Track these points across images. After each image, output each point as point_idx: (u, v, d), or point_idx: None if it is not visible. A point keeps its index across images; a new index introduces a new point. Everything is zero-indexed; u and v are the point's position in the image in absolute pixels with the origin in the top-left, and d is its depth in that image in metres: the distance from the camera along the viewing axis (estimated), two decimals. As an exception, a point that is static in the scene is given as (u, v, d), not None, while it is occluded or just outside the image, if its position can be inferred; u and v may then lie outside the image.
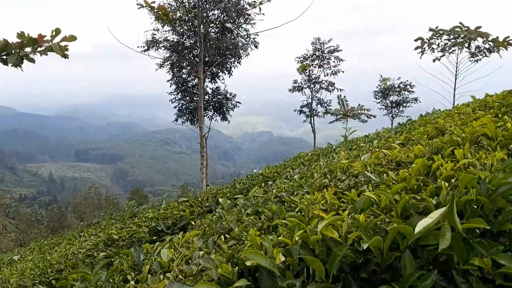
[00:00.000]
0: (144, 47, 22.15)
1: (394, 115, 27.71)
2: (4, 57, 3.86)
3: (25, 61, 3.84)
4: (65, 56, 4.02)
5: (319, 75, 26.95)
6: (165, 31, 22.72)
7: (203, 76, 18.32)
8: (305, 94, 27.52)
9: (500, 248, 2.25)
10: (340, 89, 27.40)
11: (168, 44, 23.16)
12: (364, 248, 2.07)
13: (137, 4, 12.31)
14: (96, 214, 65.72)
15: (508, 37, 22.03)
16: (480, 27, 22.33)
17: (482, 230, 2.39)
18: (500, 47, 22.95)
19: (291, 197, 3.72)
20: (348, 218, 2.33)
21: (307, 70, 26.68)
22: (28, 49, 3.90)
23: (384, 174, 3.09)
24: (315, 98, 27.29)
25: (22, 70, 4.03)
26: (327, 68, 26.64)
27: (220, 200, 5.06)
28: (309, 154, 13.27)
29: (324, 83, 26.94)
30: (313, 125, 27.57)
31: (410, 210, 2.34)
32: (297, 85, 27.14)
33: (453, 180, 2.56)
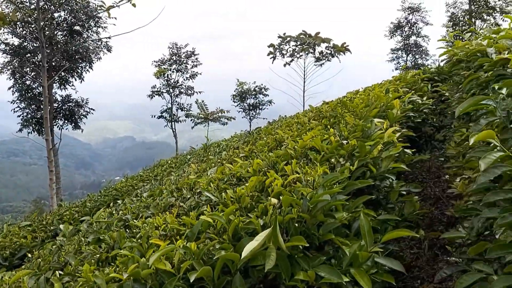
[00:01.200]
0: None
1: (252, 117, 28.86)
2: None
3: None
4: None
5: (177, 80, 26.84)
6: (3, 33, 20.40)
7: (48, 83, 16.85)
8: (165, 99, 27.17)
9: (322, 259, 2.46)
10: (199, 92, 27.64)
11: (8, 48, 20.83)
12: (192, 280, 2.09)
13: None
14: None
15: (345, 43, 24.58)
16: (319, 32, 24.52)
17: (310, 242, 2.59)
18: (340, 52, 25.48)
19: (135, 221, 3.60)
20: (180, 248, 2.32)
21: (165, 75, 26.35)
22: None
23: (223, 193, 3.17)
24: (175, 103, 27.09)
25: None
26: (185, 72, 26.68)
27: (61, 226, 4.69)
28: (169, 161, 13.13)
29: (183, 87, 26.92)
30: (174, 130, 27.32)
31: (241, 232, 2.43)
32: (156, 90, 26.63)
33: (281, 198, 2.72)
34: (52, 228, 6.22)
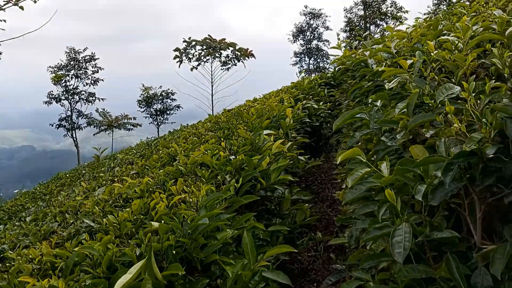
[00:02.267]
0: None
1: (159, 123, 28.24)
2: None
3: None
4: None
5: (77, 86, 25.40)
6: None
7: None
8: (64, 106, 25.58)
9: (205, 282, 2.43)
10: (102, 99, 26.45)
11: None
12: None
13: None
14: None
15: (249, 48, 25.07)
16: (225, 39, 24.78)
17: (193, 266, 2.55)
18: (245, 56, 25.90)
19: (10, 252, 3.29)
20: (49, 287, 2.15)
21: (63, 81, 24.80)
22: None
23: (105, 219, 3.00)
24: (75, 110, 25.60)
25: None
26: (85, 78, 25.34)
27: None
28: (67, 174, 12.39)
29: (83, 94, 25.54)
30: (75, 139, 25.82)
31: (116, 264, 2.31)
32: (53, 96, 24.95)
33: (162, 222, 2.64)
34: None
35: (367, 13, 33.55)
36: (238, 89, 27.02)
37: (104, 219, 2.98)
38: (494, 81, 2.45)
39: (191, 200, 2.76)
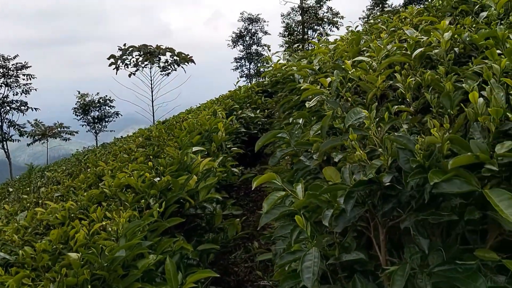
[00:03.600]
0: None
1: (97, 131, 27.36)
2: None
3: None
4: None
5: (7, 95, 24.02)
6: None
7: None
8: (-8, 116, 24.12)
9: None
10: (35, 109, 25.18)
11: None
12: None
13: None
14: None
15: (189, 54, 24.98)
16: (162, 45, 24.63)
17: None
18: (185, 61, 25.72)
19: None
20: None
21: (-9, 90, 23.43)
22: None
23: (21, 251, 2.88)
24: (5, 121, 24.20)
25: None
26: (16, 86, 24.02)
27: None
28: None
29: (15, 104, 24.21)
30: (6, 150, 24.40)
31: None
32: (-22, 107, 23.51)
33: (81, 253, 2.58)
34: None
35: (305, 18, 34.33)
36: (180, 93, 26.77)
37: (21, 251, 2.86)
38: (398, 104, 2.61)
39: (111, 229, 2.71)
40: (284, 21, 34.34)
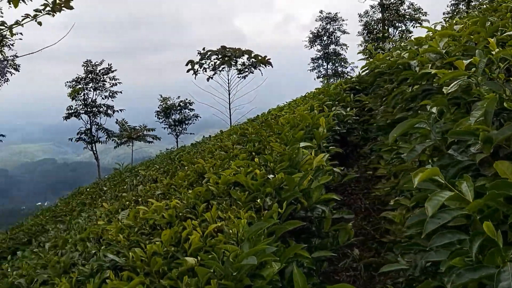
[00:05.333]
0: None
1: (178, 133, 28.05)
2: None
3: None
4: None
5: (95, 99, 25.37)
6: None
7: None
8: (82, 120, 25.56)
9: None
10: (120, 110, 26.36)
11: None
12: None
13: None
14: None
15: (266, 56, 24.77)
16: (240, 48, 24.64)
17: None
18: (262, 64, 25.59)
19: (26, 289, 2.95)
20: None
21: (81, 94, 24.81)
22: None
23: (131, 253, 2.63)
24: (94, 124, 25.56)
25: None
26: (103, 91, 25.29)
27: None
28: (88, 189, 12.16)
29: (102, 107, 25.49)
30: (95, 152, 25.74)
31: (148, 315, 1.94)
32: (72, 110, 24.97)
33: (199, 258, 2.26)
34: None
35: (385, 16, 32.95)
36: (256, 96, 26.74)
37: (130, 252, 2.61)
38: None
39: (230, 231, 2.37)
40: (362, 20, 33.21)
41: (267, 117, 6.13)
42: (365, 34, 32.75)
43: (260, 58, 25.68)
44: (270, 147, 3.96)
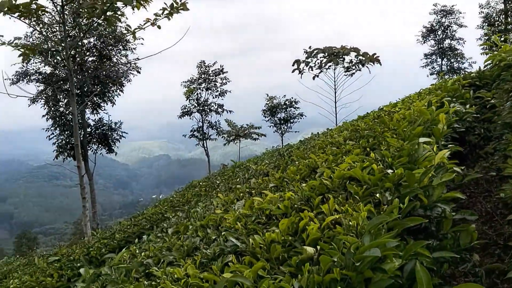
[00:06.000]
0: (12, 79, 20.09)
1: (283, 131, 28.43)
2: None
3: None
4: None
5: (207, 98, 26.75)
6: (36, 63, 20.88)
7: (79, 109, 17.00)
8: (196, 118, 27.12)
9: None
10: (230, 111, 27.48)
11: (41, 77, 21.31)
12: None
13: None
14: (-23, 266, 58.37)
15: (375, 53, 24.02)
16: (347, 46, 24.18)
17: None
18: (370, 61, 24.84)
19: (156, 268, 3.22)
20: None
21: (195, 94, 26.31)
22: None
23: (251, 238, 2.74)
24: (205, 122, 26.99)
25: None
26: (214, 90, 26.55)
27: (81, 270, 4.37)
28: (200, 183, 12.85)
29: (213, 106, 26.80)
30: (206, 148, 27.17)
31: (272, 297, 2.00)
32: (186, 110, 26.62)
33: (318, 248, 2.28)
34: (78, 265, 5.95)
35: (508, 7, 30.04)
36: (363, 94, 26.07)
37: (250, 239, 2.73)
38: None
39: (350, 223, 2.35)
40: (482, 11, 30.63)
41: (379, 114, 5.95)
42: (484, 27, 30.21)
43: (368, 55, 24.98)
44: (386, 143, 3.85)
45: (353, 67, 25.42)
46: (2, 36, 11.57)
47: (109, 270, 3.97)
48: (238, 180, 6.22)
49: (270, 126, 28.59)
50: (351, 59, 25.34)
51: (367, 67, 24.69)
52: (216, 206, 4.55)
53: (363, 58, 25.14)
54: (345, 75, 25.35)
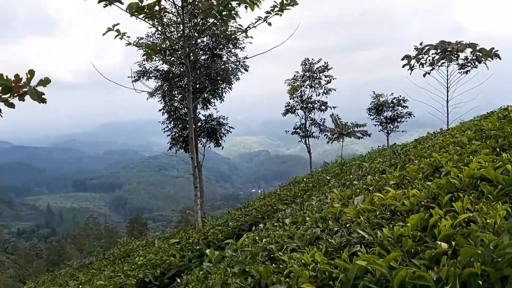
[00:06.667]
0: (134, 77, 22.02)
1: (389, 131, 27.45)
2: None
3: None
4: (42, 101, 3.84)
5: (311, 96, 26.80)
6: (155, 61, 22.65)
7: (193, 104, 18.11)
8: (299, 115, 27.31)
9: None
10: (333, 107, 27.24)
11: (159, 74, 23.07)
12: None
13: (127, 44, 12.27)
14: (96, 244, 64.97)
15: (493, 48, 22.11)
16: (462, 41, 22.53)
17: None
18: (488, 57, 22.97)
19: (280, 254, 3.43)
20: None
21: (299, 91, 26.51)
22: (4, 95, 3.74)
23: (378, 231, 2.82)
24: (308, 119, 27.07)
25: (1, 116, 3.90)
26: (318, 88, 26.51)
27: (207, 251, 4.76)
28: (304, 179, 13.04)
29: (316, 103, 26.76)
30: (308, 145, 27.26)
31: (408, 286, 2.07)
32: (289, 107, 26.95)
33: (453, 243, 2.30)
34: (198, 247, 6.45)
35: None
36: (479, 93, 24.22)
37: (375, 231, 2.81)
38: None
39: (487, 221, 2.33)
40: None
41: (505, 113, 5.59)
42: None
43: (486, 51, 23.16)
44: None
45: (469, 64, 23.75)
46: (129, 37, 12.77)
47: (233, 252, 4.29)
48: (351, 176, 6.27)
49: (375, 125, 27.80)
50: (467, 56, 23.70)
51: (484, 63, 22.91)
52: (332, 200, 4.66)
53: (480, 54, 23.38)
54: (459, 72, 23.79)
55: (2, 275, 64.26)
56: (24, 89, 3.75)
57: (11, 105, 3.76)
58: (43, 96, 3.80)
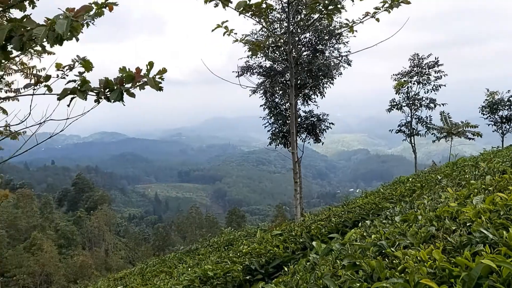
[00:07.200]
0: (238, 72, 22.74)
1: (504, 131, 25.18)
2: (108, 93, 4.10)
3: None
4: (160, 89, 4.17)
5: (418, 92, 25.50)
6: (259, 57, 23.18)
7: (295, 100, 18.26)
8: (404, 112, 26.16)
9: None
10: (443, 104, 25.59)
11: (261, 70, 23.57)
12: None
13: (234, 40, 12.77)
14: (198, 233, 68.58)
15: None
16: None
17: None
18: None
19: (392, 249, 3.38)
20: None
21: (405, 87, 25.39)
22: (127, 85, 4.10)
23: (504, 231, 2.66)
24: (414, 117, 25.82)
25: (124, 105, 4.28)
26: (427, 84, 25.12)
27: (314, 243, 4.82)
28: (410, 179, 12.52)
29: (424, 100, 25.41)
30: (413, 144, 26.00)
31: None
32: (394, 103, 25.92)
33: None
34: (301, 240, 6.53)
35: None
36: None
37: (504, 232, 2.65)
38: None
39: None
40: None
41: None
42: None
43: None
44: None
45: None
46: (236, 33, 13.23)
47: (340, 246, 4.30)
48: (467, 176, 5.90)
49: (488, 125, 25.70)
50: None
51: None
52: (447, 200, 4.45)
53: None
54: None
55: (114, 256, 70.64)
56: (144, 79, 4.08)
57: (132, 95, 4.13)
58: (159, 85, 4.14)
